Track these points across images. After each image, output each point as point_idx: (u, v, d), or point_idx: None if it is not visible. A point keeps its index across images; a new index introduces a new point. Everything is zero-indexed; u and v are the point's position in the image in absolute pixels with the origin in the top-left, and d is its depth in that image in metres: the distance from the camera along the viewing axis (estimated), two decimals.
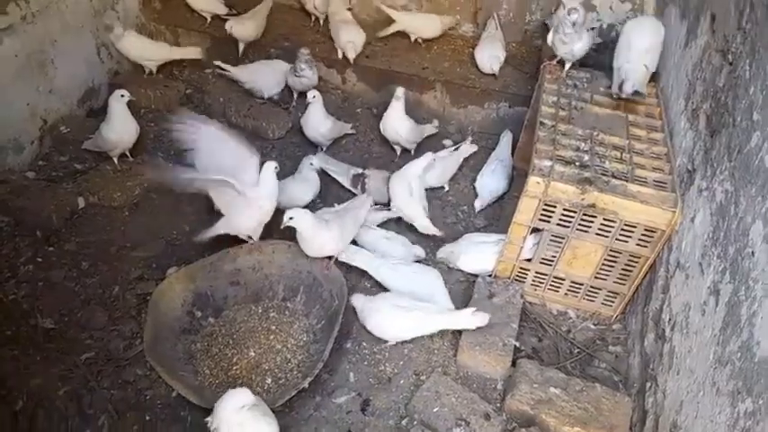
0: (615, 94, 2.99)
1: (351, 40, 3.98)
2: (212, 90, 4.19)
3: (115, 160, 3.47)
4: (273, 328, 2.75)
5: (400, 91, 3.50)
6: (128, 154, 3.50)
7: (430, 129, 3.85)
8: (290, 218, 2.61)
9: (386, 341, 2.71)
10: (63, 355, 2.53)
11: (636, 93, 2.93)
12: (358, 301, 2.72)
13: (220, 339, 2.69)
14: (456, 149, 3.63)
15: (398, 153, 3.79)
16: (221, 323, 2.76)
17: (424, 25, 4.29)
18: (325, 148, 3.80)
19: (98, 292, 2.84)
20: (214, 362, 2.60)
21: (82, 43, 3.83)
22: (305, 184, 3.27)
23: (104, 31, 3.92)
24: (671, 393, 2.16)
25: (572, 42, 3.08)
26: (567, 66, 3.25)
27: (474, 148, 3.72)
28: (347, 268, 2.94)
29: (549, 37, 3.19)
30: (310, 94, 3.57)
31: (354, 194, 3.36)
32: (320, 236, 2.68)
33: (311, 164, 3.23)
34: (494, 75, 4.04)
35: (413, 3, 4.47)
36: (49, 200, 3.15)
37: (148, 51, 4.05)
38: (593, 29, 3.74)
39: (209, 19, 4.44)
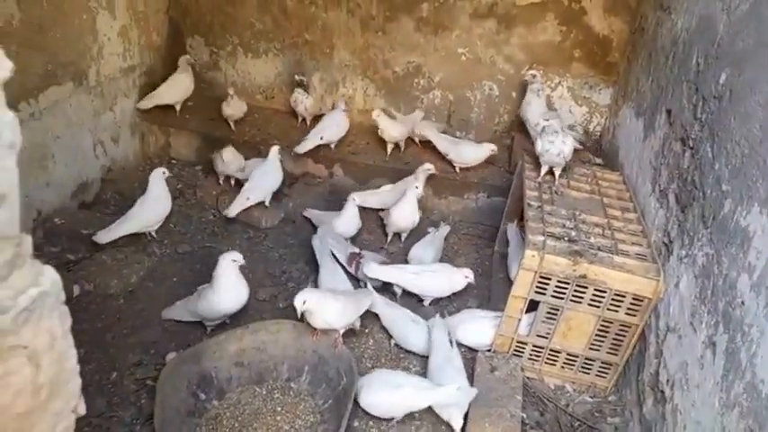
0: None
1: None
2: (204, 184, 4.35)
3: (153, 233, 3.72)
4: (279, 409, 2.71)
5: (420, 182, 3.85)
6: (153, 234, 3.73)
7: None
8: (304, 301, 2.63)
9: (392, 418, 2.71)
10: None
11: None
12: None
13: (225, 422, 2.63)
14: (437, 231, 3.96)
15: (389, 239, 3.98)
16: (225, 406, 2.70)
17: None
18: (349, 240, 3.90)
19: (95, 379, 2.76)
20: None
21: (80, 140, 3.97)
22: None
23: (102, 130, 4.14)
24: None
25: (565, 142, 3.17)
26: (558, 171, 3.31)
27: (448, 228, 4.07)
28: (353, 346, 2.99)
29: (539, 145, 3.22)
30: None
31: (347, 272, 3.45)
32: (329, 307, 2.73)
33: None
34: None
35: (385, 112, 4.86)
36: None
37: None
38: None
39: None
